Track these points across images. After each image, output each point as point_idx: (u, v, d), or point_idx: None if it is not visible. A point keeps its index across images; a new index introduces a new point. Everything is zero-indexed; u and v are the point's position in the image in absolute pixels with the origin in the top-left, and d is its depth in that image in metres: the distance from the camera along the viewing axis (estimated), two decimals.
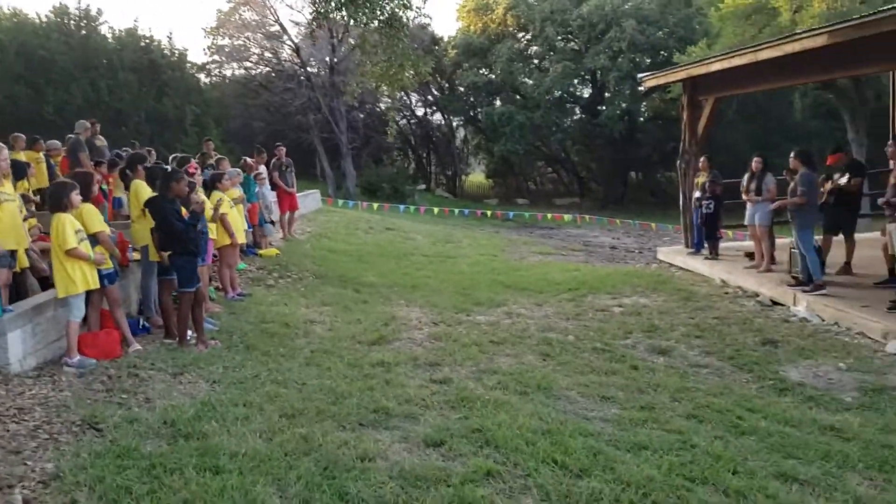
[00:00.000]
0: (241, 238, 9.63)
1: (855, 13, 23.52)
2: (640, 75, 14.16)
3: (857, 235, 10.70)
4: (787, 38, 9.64)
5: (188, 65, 31.53)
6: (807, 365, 7.29)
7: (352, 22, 12.37)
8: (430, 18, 32.08)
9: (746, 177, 11.40)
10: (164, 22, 72.57)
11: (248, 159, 13.73)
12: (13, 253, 6.47)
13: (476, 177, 47.23)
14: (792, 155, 10.06)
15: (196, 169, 8.69)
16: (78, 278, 6.02)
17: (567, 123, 37.74)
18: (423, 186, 39.80)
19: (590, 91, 39.35)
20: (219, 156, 12.69)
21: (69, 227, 6.00)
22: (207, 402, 5.20)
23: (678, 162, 13.93)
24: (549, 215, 26.47)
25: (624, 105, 35.33)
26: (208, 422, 4.81)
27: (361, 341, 7.67)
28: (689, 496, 4.26)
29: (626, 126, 35.68)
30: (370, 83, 14.88)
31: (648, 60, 35.85)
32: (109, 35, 30.65)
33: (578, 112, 40.09)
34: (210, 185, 8.76)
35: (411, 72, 12.91)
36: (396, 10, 11.62)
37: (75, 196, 6.19)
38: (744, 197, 11.40)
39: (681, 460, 4.80)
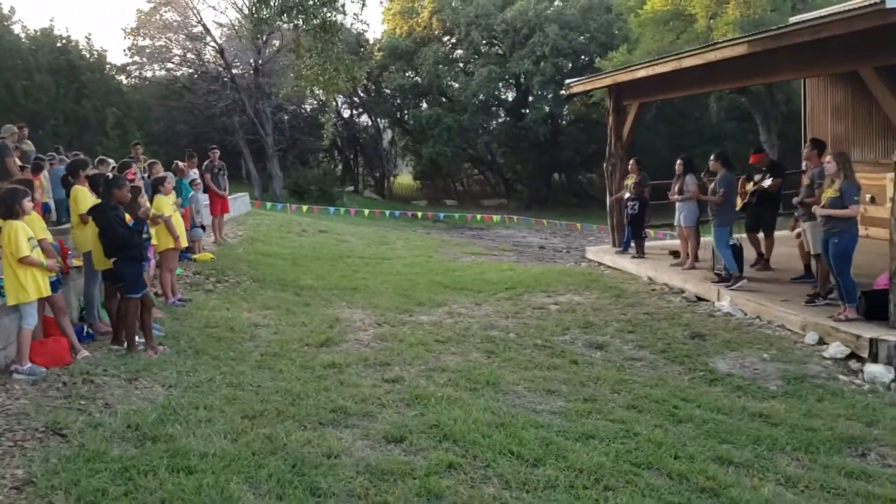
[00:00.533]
0: (185, 241, 9.59)
1: (767, 20, 24.73)
2: (567, 81, 14.59)
3: (774, 233, 11.35)
4: (709, 47, 10.17)
5: (108, 66, 30.74)
6: (733, 356, 7.75)
7: (287, 26, 12.39)
8: (368, 25, 32.18)
9: (675, 179, 11.94)
10: (81, 22, 70.30)
11: (180, 163, 13.61)
12: None
13: (404, 178, 47.43)
14: (712, 157, 10.58)
15: (136, 174, 8.62)
16: (30, 286, 5.96)
17: (493, 126, 38.30)
18: (350, 188, 39.77)
19: (514, 94, 40.04)
20: (150, 160, 12.55)
21: (22, 234, 5.94)
22: (168, 405, 5.27)
23: (605, 164, 14.43)
24: (479, 216, 26.88)
25: (547, 108, 36.10)
26: (172, 425, 4.88)
27: (309, 344, 7.78)
28: (636, 480, 4.56)
29: (550, 129, 36.44)
30: (304, 86, 14.90)
31: (570, 65, 36.74)
32: (23, 35, 29.65)
33: (503, 115, 40.74)
34: (153, 190, 8.72)
35: (345, 76, 13.03)
36: (331, 14, 11.72)
37: (27, 203, 6.14)
38: (670, 196, 11.92)
39: (626, 447, 5.11)
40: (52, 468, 4.11)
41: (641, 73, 11.77)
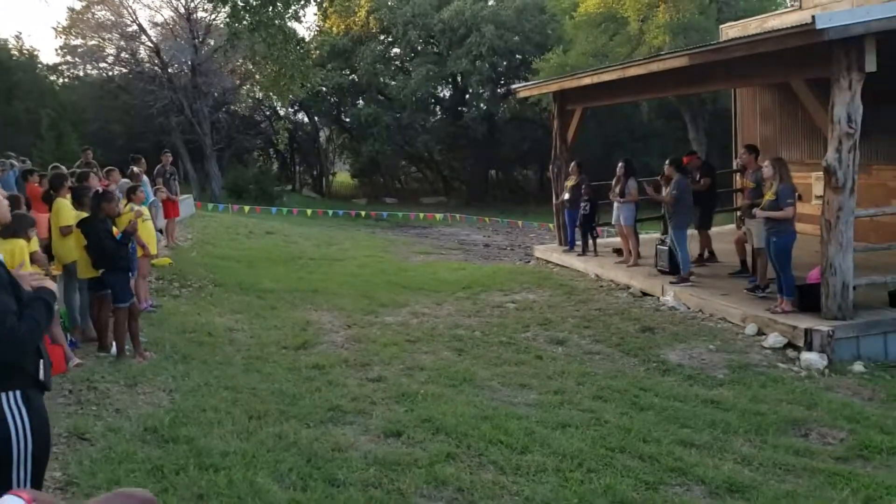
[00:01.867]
0: (154, 249, 9.79)
1: (695, 23, 25.90)
2: (513, 86, 15.22)
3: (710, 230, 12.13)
4: (652, 58, 10.86)
5: (39, 66, 30.08)
6: (682, 348, 8.41)
7: (222, 25, 12.55)
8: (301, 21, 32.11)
9: (614, 181, 12.63)
10: (10, 21, 67.95)
11: (136, 168, 13.67)
12: None
13: (341, 176, 47.49)
14: (667, 163, 11.14)
15: (108, 183, 8.80)
16: None
17: (431, 124, 38.75)
18: (289, 187, 39.70)
19: (451, 92, 40.57)
20: (109, 167, 12.59)
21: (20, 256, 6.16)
22: (177, 409, 5.60)
23: (550, 167, 15.05)
24: (422, 215, 27.33)
25: (484, 107, 36.73)
26: (186, 427, 5.22)
27: (287, 346, 8.14)
28: (613, 462, 5.12)
29: (488, 127, 37.09)
30: (258, 92, 15.10)
31: (506, 63, 37.48)
32: None
33: (440, 112, 41.25)
34: (126, 199, 8.89)
35: (301, 82, 13.31)
36: (287, 22, 11.98)
37: (31, 232, 6.38)
38: (611, 197, 12.60)
39: (599, 434, 5.67)
40: (88, 470, 4.43)
41: (587, 81, 12.39)
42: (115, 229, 7.15)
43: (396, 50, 39.37)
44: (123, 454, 4.65)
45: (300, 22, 12.19)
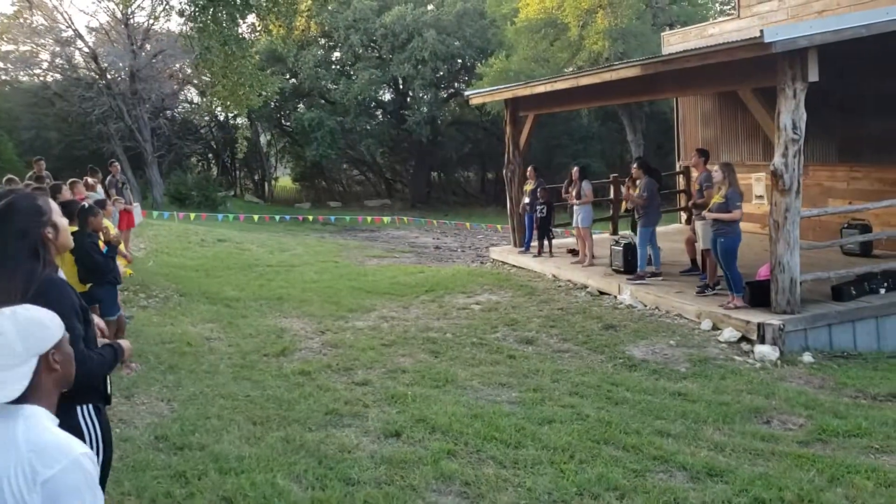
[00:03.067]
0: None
1: (631, 28, 26.73)
2: (466, 92, 15.57)
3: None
4: (605, 68, 11.34)
5: None
6: (644, 344, 8.88)
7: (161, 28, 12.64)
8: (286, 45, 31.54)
9: (566, 183, 13.13)
10: None
11: (90, 179, 13.58)
12: None
13: (282, 180, 47.26)
14: (635, 165, 11.51)
15: (83, 196, 8.82)
16: None
17: (374, 127, 38.92)
18: (231, 192, 39.36)
19: (392, 96, 40.81)
20: (71, 179, 12.50)
21: None
22: (180, 418, 5.76)
23: (504, 171, 15.47)
24: (369, 218, 27.50)
25: (425, 110, 37.10)
26: (194, 434, 5.40)
27: (268, 354, 8.31)
28: (601, 453, 5.49)
29: (430, 130, 37.47)
30: (213, 102, 15.11)
31: (446, 67, 37.93)
32: None
33: (380, 116, 41.44)
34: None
35: (258, 92, 13.40)
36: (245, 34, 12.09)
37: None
38: (568, 200, 13.07)
39: (583, 427, 6.04)
40: (113, 478, 4.56)
41: (541, 89, 12.82)
42: (101, 243, 7.23)
43: (337, 54, 39.41)
44: (143, 462, 4.82)
45: (259, 33, 12.19)
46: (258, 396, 6.52)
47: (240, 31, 12.02)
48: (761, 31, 7.96)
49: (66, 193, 9.22)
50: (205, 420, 5.73)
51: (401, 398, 6.58)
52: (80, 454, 1.98)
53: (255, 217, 27.77)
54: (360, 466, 4.97)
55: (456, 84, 39.62)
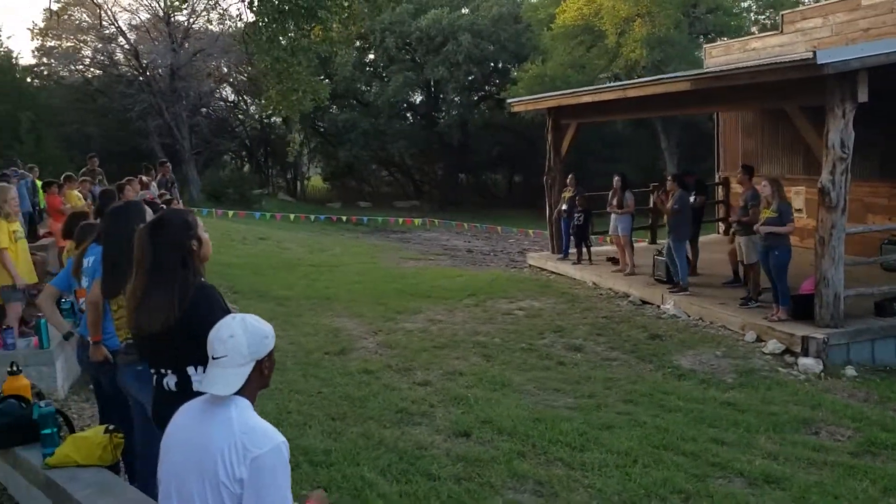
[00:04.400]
0: None
1: (670, 37, 26.86)
2: (508, 100, 15.84)
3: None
4: (654, 81, 11.58)
5: (17, 67, 29.93)
6: (691, 354, 9.11)
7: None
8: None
9: (611, 193, 13.37)
10: None
11: (144, 178, 14.04)
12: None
13: (313, 180, 47.79)
14: (669, 178, 11.82)
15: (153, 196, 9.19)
16: None
17: (405, 129, 39.30)
18: (266, 191, 39.94)
19: (423, 98, 41.20)
20: (128, 177, 12.94)
21: None
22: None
23: (544, 178, 15.74)
24: (401, 220, 27.86)
25: (455, 113, 37.41)
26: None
27: (329, 352, 8.65)
28: (663, 458, 5.76)
29: (461, 133, 37.79)
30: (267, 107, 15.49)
31: (478, 70, 38.22)
32: None
33: (411, 118, 41.85)
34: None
35: (311, 97, 13.77)
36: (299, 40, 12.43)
37: None
38: (610, 210, 13.33)
39: (642, 433, 6.31)
40: None
41: (587, 99, 13.09)
42: None
43: (371, 56, 39.86)
44: None
45: (310, 39, 12.48)
46: (330, 393, 6.85)
47: (304, 39, 12.31)
48: (814, 53, 8.17)
49: (129, 193, 9.65)
50: (286, 415, 6.07)
51: (462, 400, 6.88)
52: (281, 441, 2.34)
53: (291, 216, 28.26)
54: (438, 463, 5.28)
55: (487, 87, 39.91)
